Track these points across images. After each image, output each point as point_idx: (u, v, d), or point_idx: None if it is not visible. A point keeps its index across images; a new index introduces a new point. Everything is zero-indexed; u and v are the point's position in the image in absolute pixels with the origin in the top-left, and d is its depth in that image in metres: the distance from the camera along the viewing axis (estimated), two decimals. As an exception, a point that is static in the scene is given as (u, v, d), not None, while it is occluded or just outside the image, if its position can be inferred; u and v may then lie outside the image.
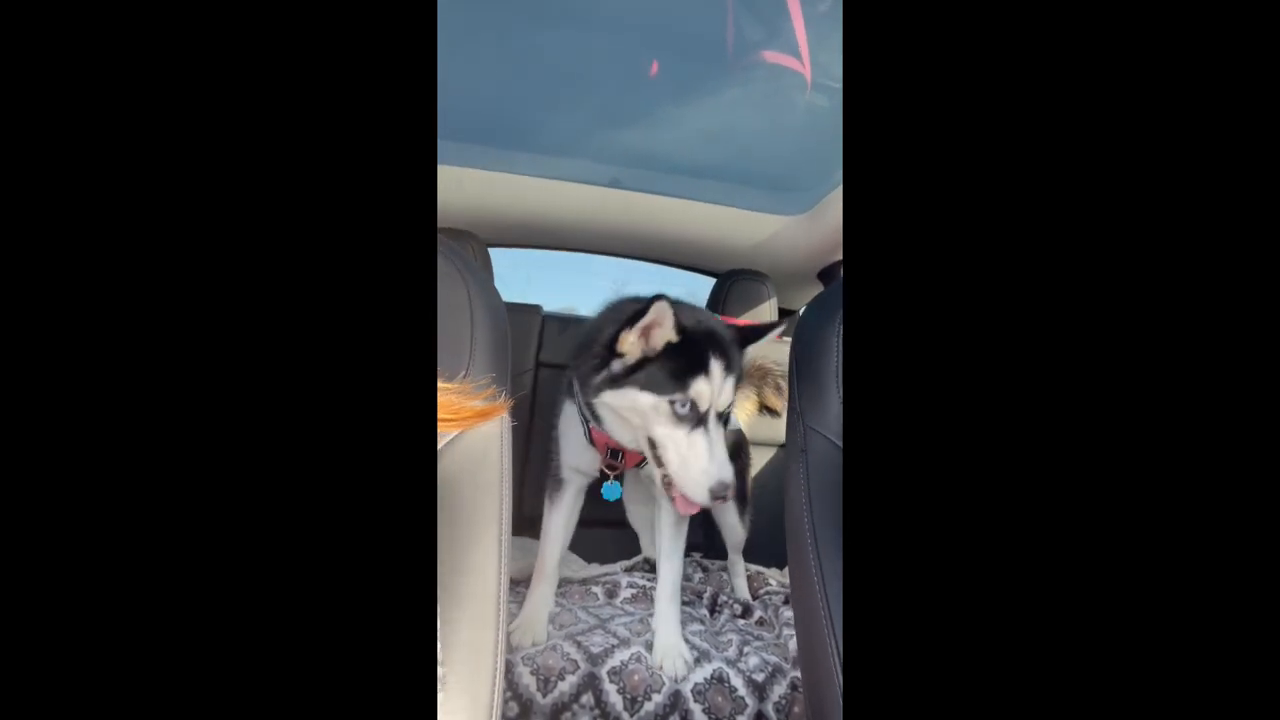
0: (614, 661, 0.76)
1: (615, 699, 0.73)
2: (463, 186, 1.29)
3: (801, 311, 0.61)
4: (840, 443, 0.50)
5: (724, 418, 0.75)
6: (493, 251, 1.45)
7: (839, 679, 0.43)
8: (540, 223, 1.45)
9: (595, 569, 1.11)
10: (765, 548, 1.18)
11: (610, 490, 0.84)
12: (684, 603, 0.98)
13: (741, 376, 0.77)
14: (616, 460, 0.84)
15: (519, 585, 1.02)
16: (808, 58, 0.96)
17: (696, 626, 0.89)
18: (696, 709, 0.73)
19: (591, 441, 0.84)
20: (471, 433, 0.46)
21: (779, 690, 0.76)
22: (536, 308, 1.46)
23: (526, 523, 1.28)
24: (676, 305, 0.69)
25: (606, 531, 1.22)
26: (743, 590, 1.11)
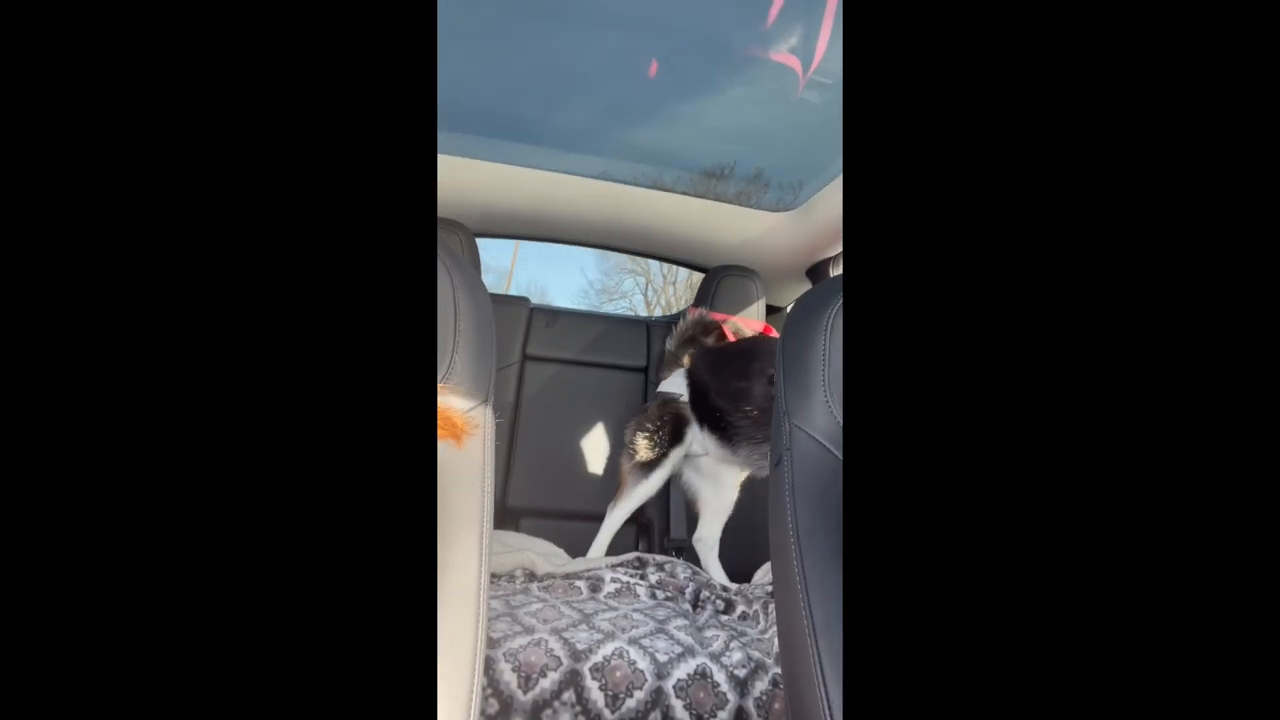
0: (597, 657, 0.76)
1: (597, 695, 0.73)
2: (451, 175, 1.28)
3: (789, 309, 0.61)
4: (825, 442, 0.50)
5: None
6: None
7: (819, 679, 0.43)
8: (528, 213, 1.43)
9: (579, 563, 1.10)
10: (725, 555, 1.21)
11: None
12: (667, 598, 0.98)
13: None
14: None
15: (499, 579, 1.01)
16: (821, 53, 0.95)
17: (680, 621, 0.89)
18: (678, 704, 0.73)
19: None
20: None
21: (760, 686, 0.77)
22: (524, 300, 1.45)
23: (511, 516, 1.28)
24: None
25: (592, 525, 1.22)
26: (721, 576, 1.14)
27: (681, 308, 1.46)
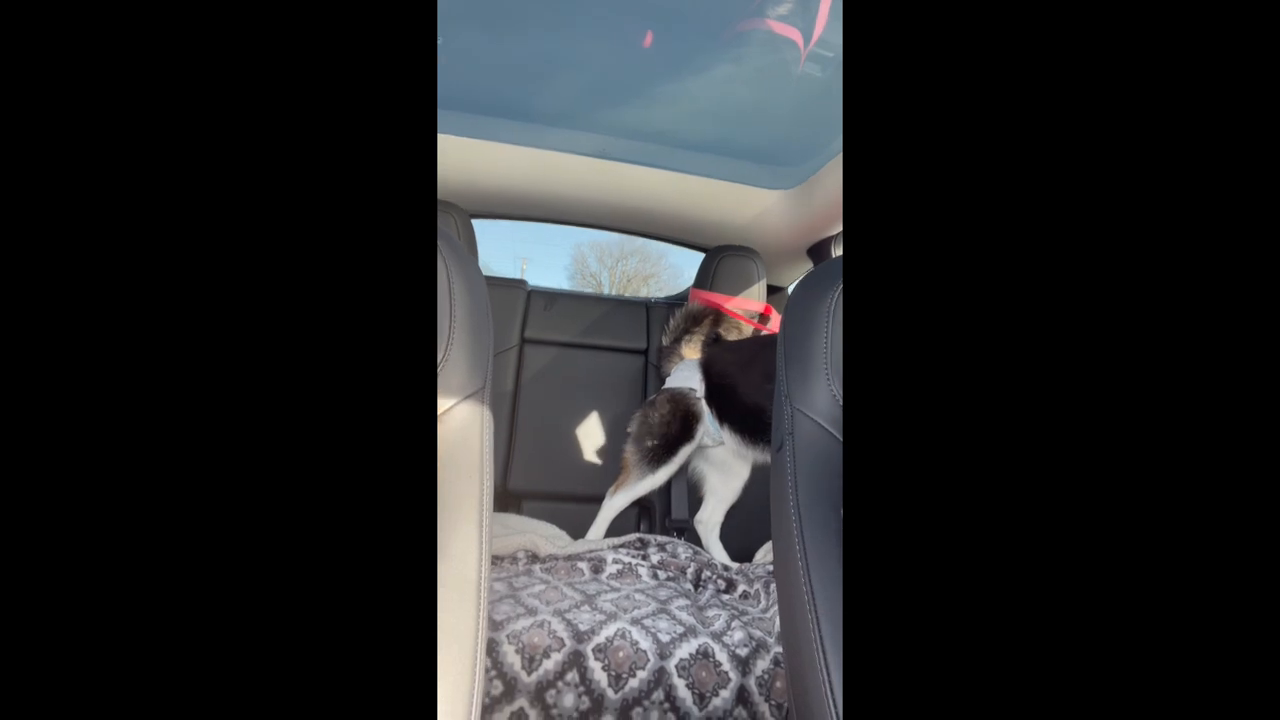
0: (599, 638, 0.77)
1: (600, 676, 0.73)
2: (445, 154, 1.25)
3: (791, 290, 0.60)
4: (828, 425, 0.50)
5: None
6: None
7: (820, 658, 0.44)
8: (526, 194, 1.41)
9: (581, 544, 1.11)
10: (726, 535, 1.22)
11: None
12: (669, 578, 0.99)
13: None
14: None
15: (501, 561, 1.02)
16: (822, 25, 0.92)
17: (682, 601, 0.90)
18: (680, 684, 0.74)
19: None
20: (451, 416, 0.45)
21: (762, 665, 0.78)
22: (521, 282, 1.43)
23: (513, 499, 1.28)
24: None
25: (594, 507, 1.22)
26: (722, 556, 1.15)
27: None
